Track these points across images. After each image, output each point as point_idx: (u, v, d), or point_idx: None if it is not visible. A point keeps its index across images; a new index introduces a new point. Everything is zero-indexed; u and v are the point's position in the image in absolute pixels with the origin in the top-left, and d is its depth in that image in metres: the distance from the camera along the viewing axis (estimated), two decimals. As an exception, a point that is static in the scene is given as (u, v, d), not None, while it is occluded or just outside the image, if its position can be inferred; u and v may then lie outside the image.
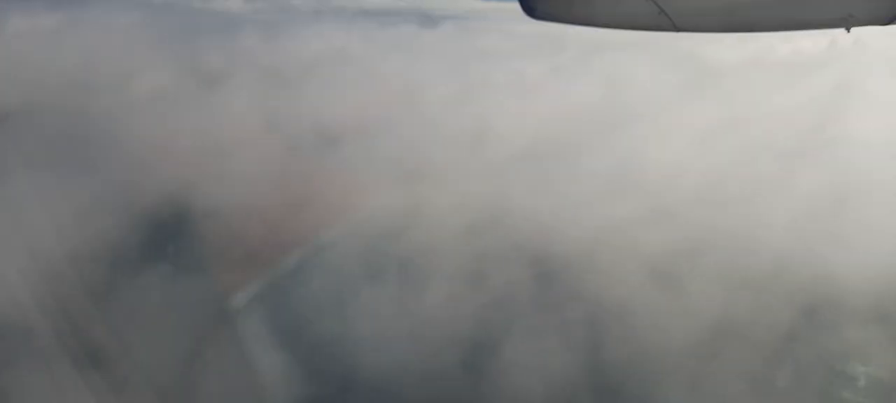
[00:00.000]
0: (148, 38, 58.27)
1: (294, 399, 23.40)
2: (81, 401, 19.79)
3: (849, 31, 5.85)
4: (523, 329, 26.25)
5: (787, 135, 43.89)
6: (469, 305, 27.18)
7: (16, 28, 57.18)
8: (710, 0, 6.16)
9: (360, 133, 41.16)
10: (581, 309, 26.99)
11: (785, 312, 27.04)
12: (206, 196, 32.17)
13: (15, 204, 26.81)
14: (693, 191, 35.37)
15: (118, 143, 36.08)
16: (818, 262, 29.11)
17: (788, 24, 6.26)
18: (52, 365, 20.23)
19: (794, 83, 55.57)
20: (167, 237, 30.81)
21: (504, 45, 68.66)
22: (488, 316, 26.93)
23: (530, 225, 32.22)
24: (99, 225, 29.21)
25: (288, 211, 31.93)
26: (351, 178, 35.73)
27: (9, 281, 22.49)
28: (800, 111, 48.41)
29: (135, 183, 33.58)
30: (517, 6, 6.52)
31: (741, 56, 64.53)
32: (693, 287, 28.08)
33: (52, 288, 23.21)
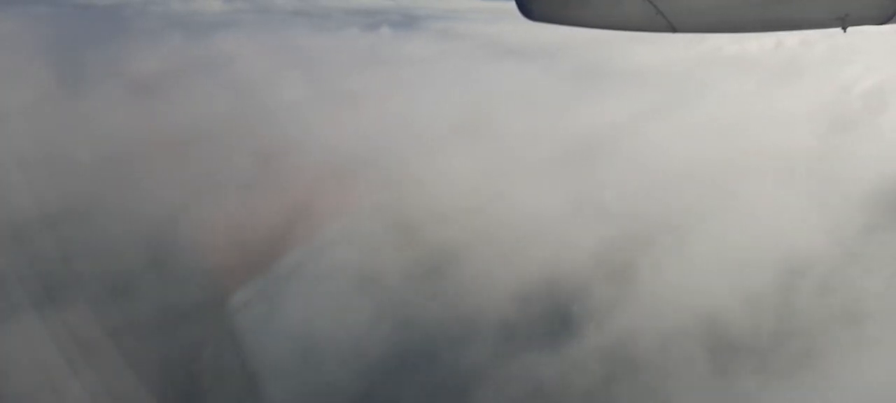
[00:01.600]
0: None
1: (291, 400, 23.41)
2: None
3: (845, 31, 5.87)
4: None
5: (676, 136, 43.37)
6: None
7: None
8: (707, 1, 6.13)
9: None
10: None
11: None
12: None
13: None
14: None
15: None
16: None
17: (784, 25, 6.26)
18: (48, 368, 20.23)
19: (710, 84, 55.30)
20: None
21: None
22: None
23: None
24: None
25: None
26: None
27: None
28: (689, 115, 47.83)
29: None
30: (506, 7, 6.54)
31: (683, 56, 66.04)
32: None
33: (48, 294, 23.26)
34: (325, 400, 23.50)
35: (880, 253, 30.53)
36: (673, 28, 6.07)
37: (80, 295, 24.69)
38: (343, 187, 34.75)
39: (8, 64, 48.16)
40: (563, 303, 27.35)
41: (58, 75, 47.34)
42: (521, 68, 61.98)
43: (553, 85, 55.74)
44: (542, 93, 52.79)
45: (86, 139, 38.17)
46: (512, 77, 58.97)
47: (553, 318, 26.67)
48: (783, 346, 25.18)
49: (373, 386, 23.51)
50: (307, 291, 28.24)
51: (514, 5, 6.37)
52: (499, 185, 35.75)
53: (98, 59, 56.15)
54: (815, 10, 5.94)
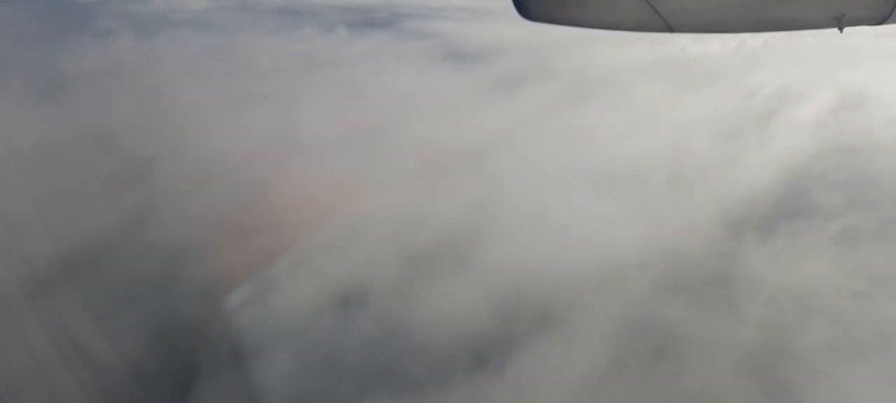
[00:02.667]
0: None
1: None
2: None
3: (841, 31, 5.91)
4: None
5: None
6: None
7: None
8: (703, 1, 6.13)
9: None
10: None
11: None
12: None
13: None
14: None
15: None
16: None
17: (781, 25, 6.28)
18: (44, 369, 20.09)
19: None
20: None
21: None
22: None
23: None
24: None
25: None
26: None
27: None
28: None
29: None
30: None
31: (637, 58, 66.06)
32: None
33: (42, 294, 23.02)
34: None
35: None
36: (670, 28, 6.08)
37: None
38: (190, 191, 34.11)
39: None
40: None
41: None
42: (453, 72, 61.58)
43: (472, 89, 54.99)
44: (451, 98, 52.42)
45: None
46: (435, 81, 58.42)
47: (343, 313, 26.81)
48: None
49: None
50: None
51: (511, 6, 6.22)
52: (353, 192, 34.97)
53: (24, 57, 54.48)
54: (811, 11, 5.99)
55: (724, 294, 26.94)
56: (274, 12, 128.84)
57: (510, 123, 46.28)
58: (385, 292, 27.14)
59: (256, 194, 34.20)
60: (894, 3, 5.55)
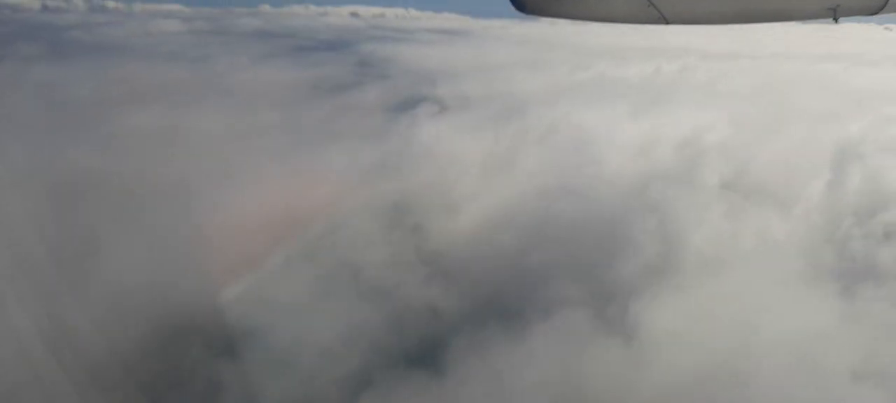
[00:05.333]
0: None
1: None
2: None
3: (837, 21, 5.89)
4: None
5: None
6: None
7: None
8: None
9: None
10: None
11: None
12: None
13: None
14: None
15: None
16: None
17: (778, 15, 6.20)
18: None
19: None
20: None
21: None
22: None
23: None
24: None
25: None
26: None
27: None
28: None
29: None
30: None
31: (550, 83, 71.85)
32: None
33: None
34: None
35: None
36: (665, 20, 5.99)
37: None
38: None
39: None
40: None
41: None
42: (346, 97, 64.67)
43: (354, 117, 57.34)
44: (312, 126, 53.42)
45: None
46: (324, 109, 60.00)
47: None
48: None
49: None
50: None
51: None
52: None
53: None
54: (806, 1, 5.96)
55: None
56: (246, 36, 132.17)
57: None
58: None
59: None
60: (888, -7, 5.58)
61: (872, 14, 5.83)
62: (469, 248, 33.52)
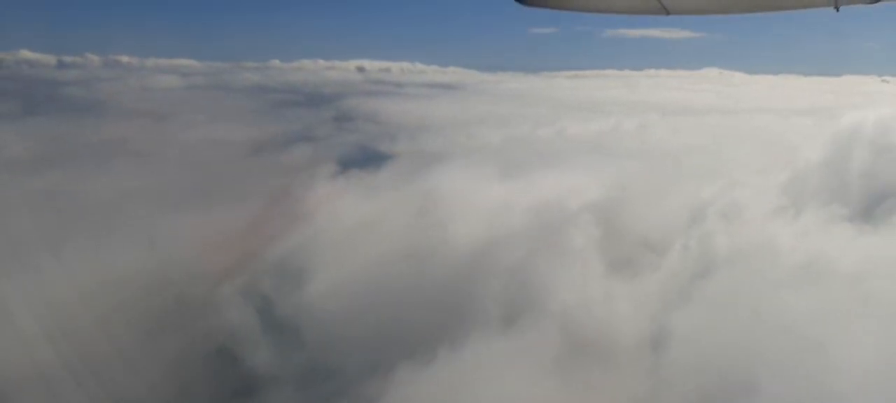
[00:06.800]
0: None
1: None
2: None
3: (837, 10, 5.85)
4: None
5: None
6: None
7: None
8: None
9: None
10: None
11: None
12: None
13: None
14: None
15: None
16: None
17: (776, 5, 6.07)
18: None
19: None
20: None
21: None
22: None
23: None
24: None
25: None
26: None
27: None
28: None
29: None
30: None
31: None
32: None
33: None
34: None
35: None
36: (665, 10, 5.76)
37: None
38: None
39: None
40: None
41: None
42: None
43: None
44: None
45: None
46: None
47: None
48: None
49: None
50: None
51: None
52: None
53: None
54: None
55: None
56: (236, 92, 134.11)
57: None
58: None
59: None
60: (890, -17, 5.56)
61: (871, 2, 5.82)
62: (308, 314, 33.55)
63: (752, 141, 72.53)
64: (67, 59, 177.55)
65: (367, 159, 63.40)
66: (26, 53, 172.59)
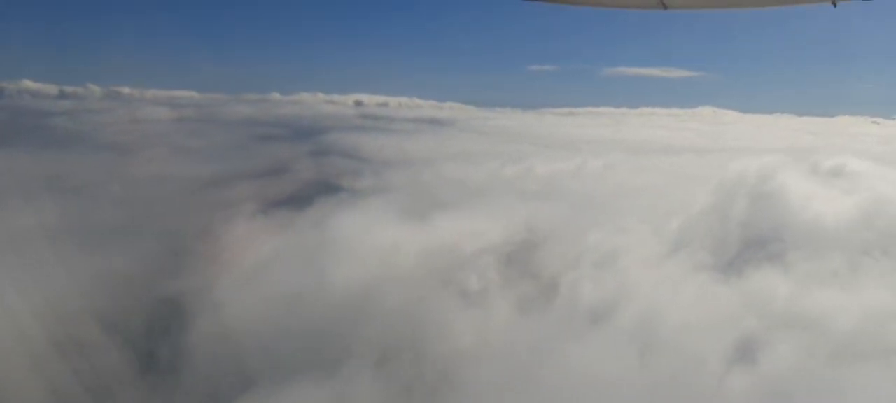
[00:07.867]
0: None
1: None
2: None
3: (835, 6, 5.69)
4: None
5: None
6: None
7: None
8: None
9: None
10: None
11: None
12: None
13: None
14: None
15: None
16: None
17: (774, 0, 5.94)
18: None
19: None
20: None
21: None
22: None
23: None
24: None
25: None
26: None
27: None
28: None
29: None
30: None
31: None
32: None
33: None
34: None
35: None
36: (663, 4, 5.82)
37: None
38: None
39: None
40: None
41: None
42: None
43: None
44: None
45: None
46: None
47: None
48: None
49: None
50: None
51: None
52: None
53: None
54: None
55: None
56: (223, 124, 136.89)
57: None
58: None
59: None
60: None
61: None
62: (190, 354, 33.87)
63: (701, 182, 72.26)
64: (69, 89, 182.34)
65: (309, 196, 63.20)
66: (28, 83, 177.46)
